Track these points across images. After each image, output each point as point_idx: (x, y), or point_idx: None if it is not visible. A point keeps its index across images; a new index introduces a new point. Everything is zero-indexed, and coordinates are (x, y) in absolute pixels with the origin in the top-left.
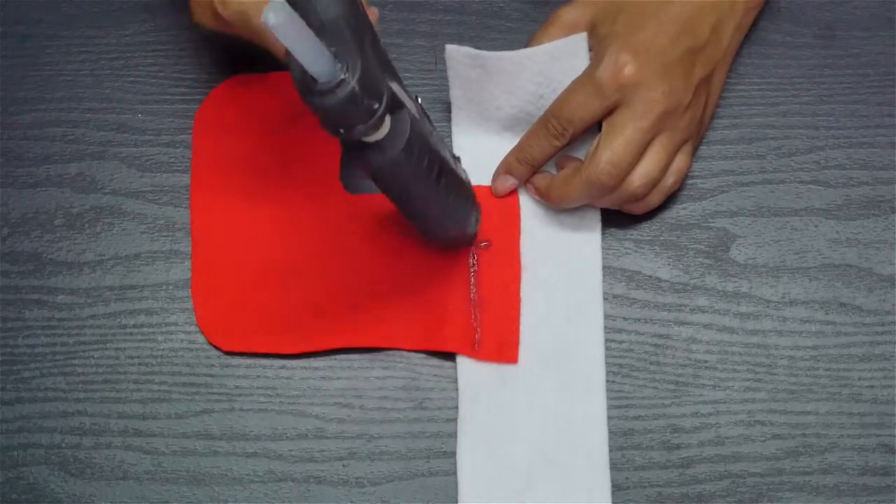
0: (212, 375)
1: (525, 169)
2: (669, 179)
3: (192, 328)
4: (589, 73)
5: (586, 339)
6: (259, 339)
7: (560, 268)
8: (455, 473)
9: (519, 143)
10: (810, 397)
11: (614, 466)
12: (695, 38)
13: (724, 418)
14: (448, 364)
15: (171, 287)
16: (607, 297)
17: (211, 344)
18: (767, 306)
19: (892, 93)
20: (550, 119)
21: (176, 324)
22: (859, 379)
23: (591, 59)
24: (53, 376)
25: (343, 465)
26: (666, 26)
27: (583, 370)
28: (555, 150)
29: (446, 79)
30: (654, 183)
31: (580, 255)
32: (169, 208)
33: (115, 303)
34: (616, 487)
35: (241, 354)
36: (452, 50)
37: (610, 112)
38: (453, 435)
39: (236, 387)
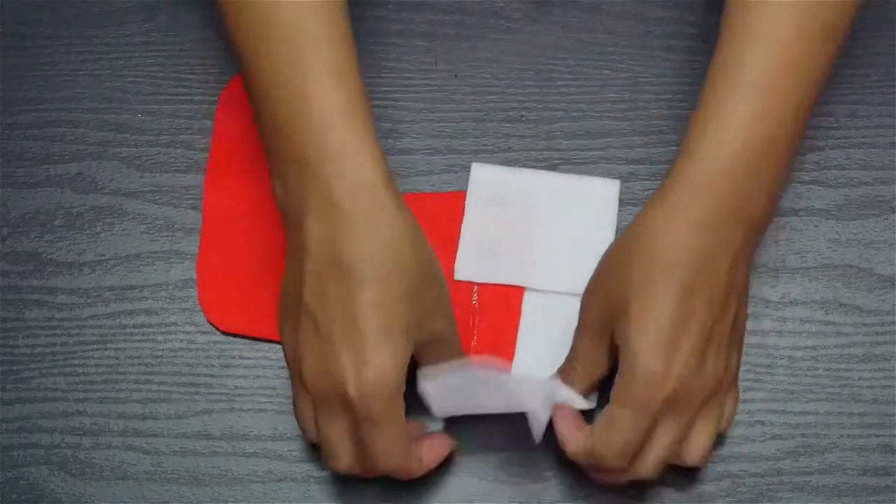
0: (212, 375)
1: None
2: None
3: (192, 328)
4: (628, 396)
5: None
6: (257, 324)
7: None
8: (455, 474)
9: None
10: (810, 397)
11: None
12: (715, 301)
13: None
14: None
15: (171, 287)
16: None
17: (209, 322)
18: (767, 306)
19: (892, 93)
20: (608, 458)
21: (176, 324)
22: (859, 379)
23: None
24: (53, 376)
25: None
26: (685, 308)
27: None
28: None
29: (446, 79)
30: (666, 463)
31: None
32: (169, 208)
33: (115, 303)
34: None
35: (242, 355)
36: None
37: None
38: (454, 435)
39: (236, 387)
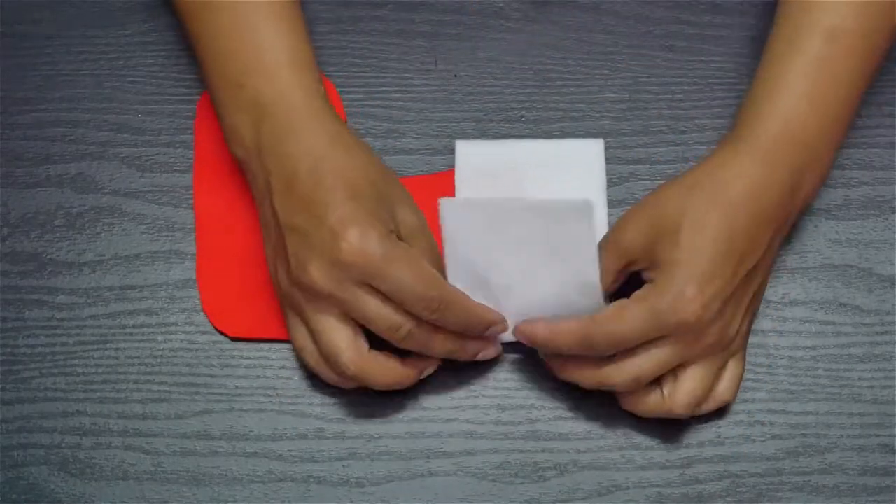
0: (212, 375)
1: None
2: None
3: (192, 328)
4: (651, 303)
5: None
6: (264, 324)
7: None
8: (455, 474)
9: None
10: (810, 397)
11: (614, 466)
12: (753, 258)
13: (724, 418)
14: (448, 363)
15: (171, 287)
16: (607, 300)
17: (216, 329)
18: (767, 306)
19: (892, 93)
20: (597, 338)
21: (176, 324)
22: (859, 379)
23: (649, 279)
24: (53, 376)
25: (343, 465)
26: (731, 250)
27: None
28: (600, 374)
29: (446, 79)
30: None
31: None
32: (169, 208)
33: (115, 303)
34: (616, 487)
35: (242, 355)
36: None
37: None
38: (454, 435)
39: (236, 387)
